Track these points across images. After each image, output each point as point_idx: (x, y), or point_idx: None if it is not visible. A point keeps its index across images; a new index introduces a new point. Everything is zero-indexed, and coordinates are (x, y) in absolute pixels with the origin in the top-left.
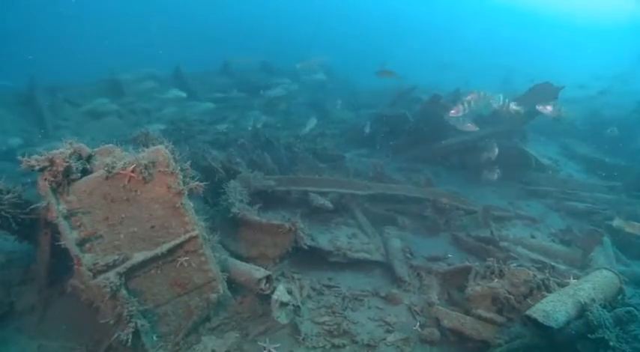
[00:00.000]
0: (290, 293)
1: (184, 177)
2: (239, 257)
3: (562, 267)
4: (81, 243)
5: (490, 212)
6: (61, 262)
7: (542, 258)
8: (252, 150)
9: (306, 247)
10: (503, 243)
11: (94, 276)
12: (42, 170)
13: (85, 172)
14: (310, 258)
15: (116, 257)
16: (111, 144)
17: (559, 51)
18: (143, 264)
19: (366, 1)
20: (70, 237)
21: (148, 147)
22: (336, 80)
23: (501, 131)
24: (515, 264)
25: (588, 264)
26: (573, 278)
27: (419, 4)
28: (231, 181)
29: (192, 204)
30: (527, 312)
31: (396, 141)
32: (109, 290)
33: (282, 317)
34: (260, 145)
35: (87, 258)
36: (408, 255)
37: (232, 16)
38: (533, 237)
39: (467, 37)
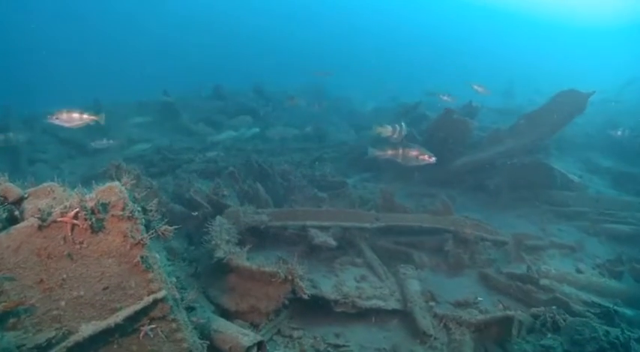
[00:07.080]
0: None
1: (148, 220)
2: (226, 311)
3: (628, 312)
4: (0, 320)
5: (522, 242)
6: None
7: (597, 300)
8: (242, 180)
9: (306, 297)
10: (544, 281)
11: None
12: None
13: (12, 221)
14: (312, 307)
15: (53, 333)
16: (53, 182)
17: (560, 58)
18: (93, 340)
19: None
20: None
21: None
22: (329, 100)
23: (522, 146)
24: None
25: None
26: None
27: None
28: (217, 218)
29: (158, 256)
30: None
31: None
32: None
33: None
34: (253, 174)
35: (6, 341)
36: (431, 302)
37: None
38: (579, 271)
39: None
